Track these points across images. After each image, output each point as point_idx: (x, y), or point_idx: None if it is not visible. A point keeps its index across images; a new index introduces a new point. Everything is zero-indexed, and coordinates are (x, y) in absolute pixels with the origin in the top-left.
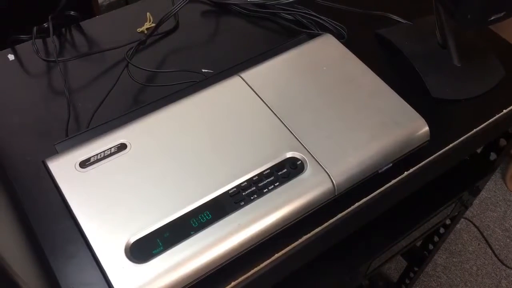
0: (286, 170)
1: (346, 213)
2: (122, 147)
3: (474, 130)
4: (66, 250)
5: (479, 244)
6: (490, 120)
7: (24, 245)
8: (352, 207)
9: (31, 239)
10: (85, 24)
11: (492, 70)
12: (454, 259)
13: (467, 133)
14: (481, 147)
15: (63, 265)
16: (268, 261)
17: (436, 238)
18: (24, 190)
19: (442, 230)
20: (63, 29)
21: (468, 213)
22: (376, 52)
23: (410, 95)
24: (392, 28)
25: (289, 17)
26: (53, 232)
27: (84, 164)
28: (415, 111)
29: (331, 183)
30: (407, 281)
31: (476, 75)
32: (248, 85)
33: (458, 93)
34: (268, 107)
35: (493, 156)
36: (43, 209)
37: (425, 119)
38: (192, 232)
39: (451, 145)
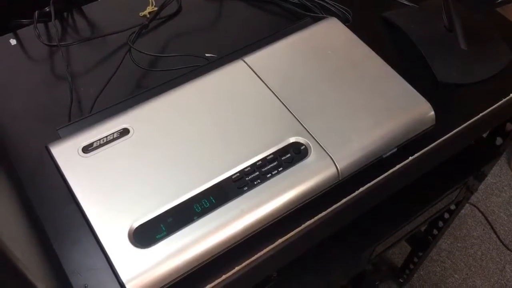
0: (290, 155)
1: (350, 199)
2: (124, 132)
3: (481, 114)
4: (70, 235)
5: (483, 229)
6: (497, 105)
7: (27, 230)
8: (356, 192)
9: (35, 224)
10: (87, 8)
11: (499, 53)
12: (458, 244)
13: (473, 118)
14: (487, 132)
15: (67, 250)
16: (271, 246)
17: (440, 223)
18: (27, 176)
19: (446, 215)
20: (65, 13)
21: (473, 198)
22: (381, 35)
23: (416, 79)
24: (398, 11)
25: (293, 0)
26: (56, 217)
27: (87, 149)
28: (421, 96)
29: (335, 168)
30: (411, 266)
31: (483, 58)
32: (252, 69)
33: (465, 77)
34: (272, 91)
35: (499, 141)
36: (46, 194)
37: (430, 104)
38: (195, 217)
39: (456, 129)
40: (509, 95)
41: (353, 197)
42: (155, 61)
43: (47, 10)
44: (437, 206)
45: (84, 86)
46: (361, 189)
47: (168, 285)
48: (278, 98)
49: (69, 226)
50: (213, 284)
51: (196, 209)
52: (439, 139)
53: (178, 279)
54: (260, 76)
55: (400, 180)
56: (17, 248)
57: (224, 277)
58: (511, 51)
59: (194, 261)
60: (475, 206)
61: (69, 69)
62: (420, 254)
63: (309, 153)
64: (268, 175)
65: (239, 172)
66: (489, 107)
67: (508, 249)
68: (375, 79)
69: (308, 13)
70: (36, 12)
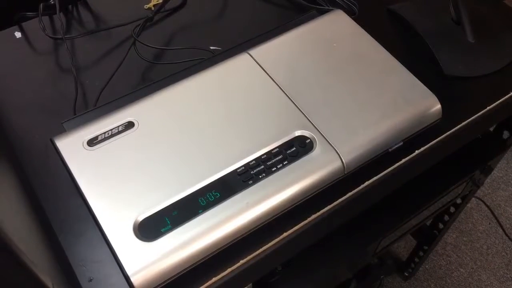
0: (295, 149)
1: (356, 192)
2: (129, 125)
3: (487, 108)
4: (75, 228)
5: (489, 223)
6: (504, 98)
7: (33, 223)
8: (362, 186)
9: (40, 217)
10: (91, 0)
11: (506, 46)
12: (464, 238)
13: (480, 111)
14: (494, 125)
15: (72, 243)
16: (276, 240)
17: (446, 217)
18: (33, 169)
19: (452, 209)
20: (70, 6)
21: (479, 192)
22: (387, 28)
23: (422, 72)
24: (405, 3)
25: None
26: (62, 210)
27: (92, 142)
28: (427, 89)
29: (341, 162)
30: (417, 259)
31: (490, 51)
32: (257, 62)
33: (472, 70)
34: (277, 84)
35: (506, 134)
36: (51, 187)
37: (437, 97)
38: (200, 211)
39: (463, 123)
40: None
41: (359, 191)
42: (160, 54)
43: (52, 2)
44: (443, 200)
45: (89, 79)
46: (366, 183)
47: (173, 278)
48: (283, 91)
49: (74, 219)
50: (218, 277)
51: (201, 203)
52: (445, 132)
53: (183, 272)
54: (265, 69)
55: (406, 174)
56: (22, 241)
57: (229, 270)
58: None
59: (199, 254)
60: (481, 200)
61: (74, 62)
62: (426, 248)
63: (314, 147)
64: (273, 169)
65: (244, 165)
66: (496, 101)
67: None
68: (381, 72)
69: (314, 6)
70: (41, 4)
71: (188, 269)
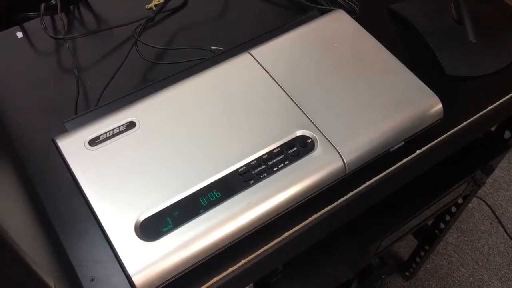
0: (296, 149)
1: (357, 192)
2: (131, 125)
3: (489, 108)
4: (77, 228)
5: (491, 223)
6: (505, 98)
7: (34, 223)
8: (363, 186)
9: (42, 217)
10: (93, 0)
11: (508, 46)
12: (465, 238)
13: (481, 111)
14: (496, 125)
15: (73, 243)
16: (277, 240)
17: (447, 217)
18: (34, 168)
19: (454, 209)
20: (71, 6)
21: (480, 192)
22: (389, 28)
23: (424, 72)
24: (406, 3)
25: None
26: (63, 211)
27: (93, 142)
28: (429, 89)
29: (342, 162)
30: (418, 259)
31: (492, 51)
32: (258, 62)
33: (473, 70)
34: (278, 84)
35: (507, 134)
36: (53, 187)
37: (438, 97)
38: (201, 211)
39: (464, 123)
40: None
41: (360, 191)
42: (161, 54)
43: (53, 2)
44: (444, 200)
45: (91, 79)
46: (368, 183)
47: (175, 278)
48: (284, 91)
49: (75, 219)
50: (219, 277)
51: (203, 203)
52: (446, 132)
53: (184, 272)
54: (266, 69)
55: (407, 174)
56: (24, 241)
57: (230, 270)
58: None
59: (200, 254)
60: (482, 200)
61: (75, 62)
62: (427, 248)
63: (315, 147)
64: (275, 169)
65: (245, 165)
66: (497, 101)
67: None
68: (382, 72)
69: (315, 5)
70: (42, 4)
71: (190, 269)
